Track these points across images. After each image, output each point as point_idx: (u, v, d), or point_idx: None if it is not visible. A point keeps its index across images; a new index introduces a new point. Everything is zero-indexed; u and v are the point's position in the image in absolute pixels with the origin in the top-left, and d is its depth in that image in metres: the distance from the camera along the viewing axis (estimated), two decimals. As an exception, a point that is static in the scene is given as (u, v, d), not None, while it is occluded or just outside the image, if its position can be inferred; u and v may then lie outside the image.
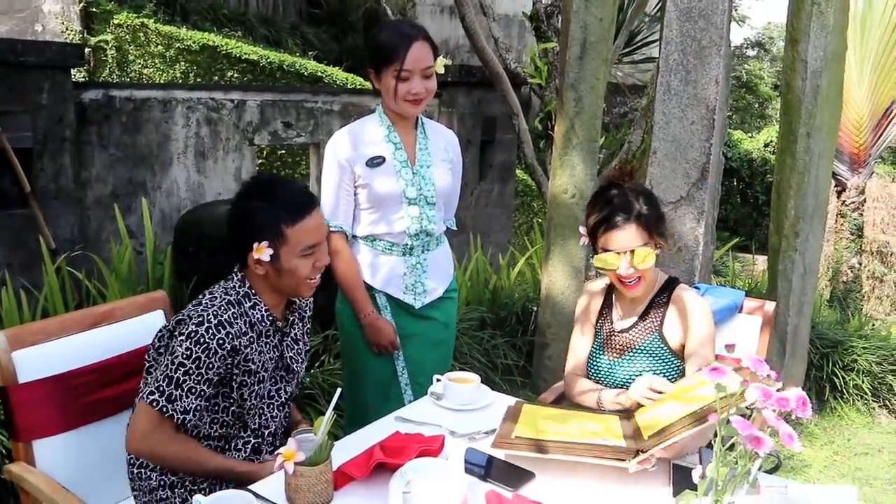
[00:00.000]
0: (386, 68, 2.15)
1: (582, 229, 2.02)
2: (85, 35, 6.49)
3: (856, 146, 6.75)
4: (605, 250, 1.92)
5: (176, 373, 1.61)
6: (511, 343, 4.17)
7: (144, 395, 1.63)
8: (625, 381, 1.98)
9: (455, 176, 2.40)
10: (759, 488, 1.26)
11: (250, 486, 1.45)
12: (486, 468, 1.52)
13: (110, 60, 6.67)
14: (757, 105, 16.55)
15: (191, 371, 1.60)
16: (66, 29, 6.41)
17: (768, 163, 10.28)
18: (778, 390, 1.18)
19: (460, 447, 1.62)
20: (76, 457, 1.77)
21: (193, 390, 1.62)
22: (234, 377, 1.68)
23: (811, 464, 3.59)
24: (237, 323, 1.66)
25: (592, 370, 2.05)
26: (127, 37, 6.65)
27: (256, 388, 1.72)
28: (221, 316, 1.63)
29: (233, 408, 1.71)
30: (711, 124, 2.96)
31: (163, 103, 4.06)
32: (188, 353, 1.60)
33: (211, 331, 1.61)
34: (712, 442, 1.49)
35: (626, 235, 1.89)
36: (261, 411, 1.76)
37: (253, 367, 1.69)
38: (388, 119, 2.26)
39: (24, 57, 3.39)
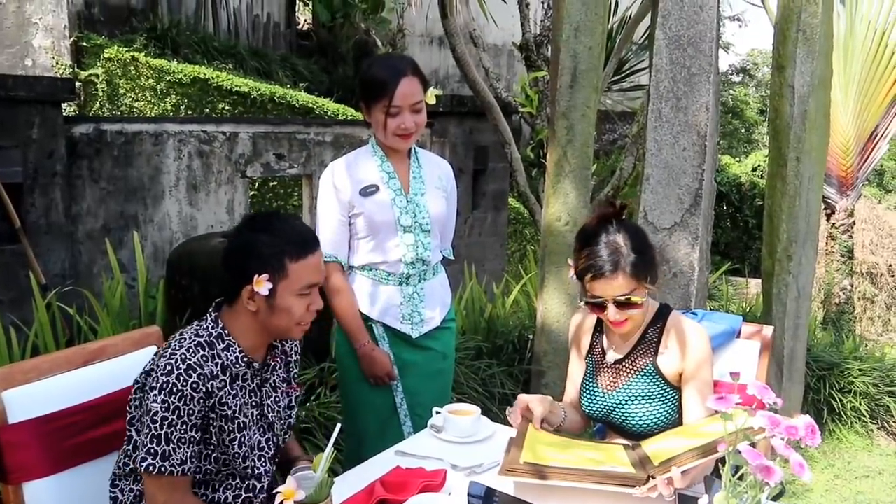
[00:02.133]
0: (376, 104, 2.16)
1: (571, 261, 1.98)
2: (75, 69, 6.50)
3: (843, 169, 6.82)
4: (594, 296, 1.88)
5: (161, 430, 1.55)
6: (508, 372, 4.14)
7: (140, 466, 1.57)
8: (619, 412, 1.95)
9: (450, 204, 2.40)
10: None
11: (248, 527, 1.41)
12: (489, 502, 1.49)
13: (101, 94, 6.68)
14: (743, 130, 16.76)
15: (174, 422, 1.55)
16: (57, 63, 6.43)
17: (757, 187, 10.38)
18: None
19: (462, 481, 1.59)
20: (67, 499, 1.72)
21: (183, 440, 1.57)
22: (212, 422, 1.62)
23: (812, 488, 3.56)
24: (208, 365, 1.60)
25: (585, 402, 2.02)
26: (118, 70, 6.66)
27: (239, 435, 1.66)
28: (190, 360, 1.58)
29: (214, 454, 1.66)
30: (703, 150, 2.97)
31: (154, 136, 4.06)
32: (165, 405, 1.54)
33: (182, 377, 1.56)
34: (720, 470, 1.47)
35: (614, 286, 1.83)
36: (252, 462, 1.69)
37: (230, 412, 1.64)
38: (381, 150, 2.27)
39: (15, 91, 3.39)
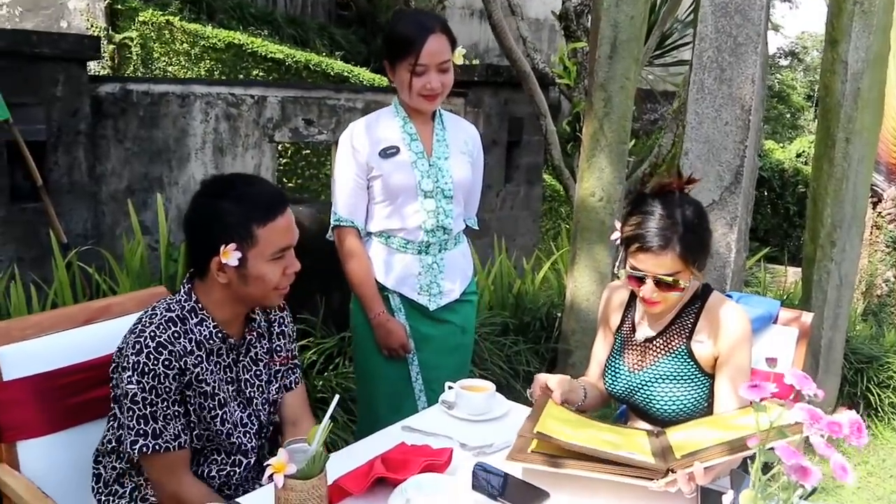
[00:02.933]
0: (401, 61, 2.04)
1: (617, 224, 1.83)
2: (110, 32, 6.48)
3: (893, 156, 6.52)
4: (634, 268, 1.74)
5: (143, 410, 1.48)
6: (534, 350, 4.04)
7: (132, 449, 1.49)
8: (644, 394, 1.83)
9: (475, 171, 2.28)
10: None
11: (238, 500, 1.34)
12: (498, 486, 1.39)
13: (135, 58, 6.65)
14: (789, 115, 16.30)
15: (154, 402, 1.48)
16: (91, 26, 6.41)
17: (800, 173, 10.08)
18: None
19: (470, 462, 1.49)
20: (64, 460, 1.67)
21: (168, 416, 1.50)
22: (190, 399, 1.54)
23: (843, 484, 3.40)
24: (179, 342, 1.51)
25: (609, 380, 1.91)
26: (152, 34, 6.62)
27: (220, 412, 1.58)
28: (160, 336, 1.49)
29: (197, 431, 1.58)
30: (747, 125, 2.80)
31: (181, 98, 3.99)
32: (140, 386, 1.47)
33: (152, 356, 1.47)
34: (748, 464, 1.35)
35: (659, 263, 1.68)
36: (238, 438, 1.61)
37: (208, 388, 1.55)
38: (405, 111, 2.15)
39: (39, 48, 3.34)
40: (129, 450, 1.49)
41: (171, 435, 1.50)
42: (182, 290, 1.59)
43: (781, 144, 12.20)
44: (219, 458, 1.61)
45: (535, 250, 5.05)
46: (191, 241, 1.57)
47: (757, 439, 0.96)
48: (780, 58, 17.68)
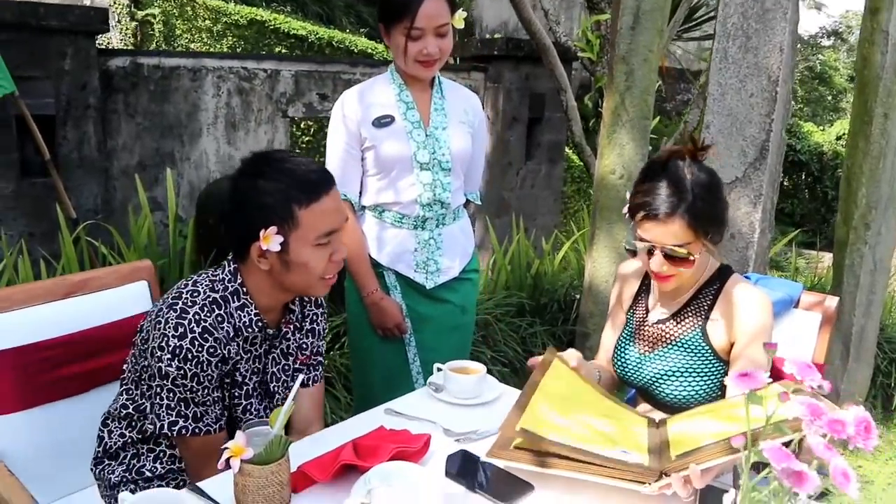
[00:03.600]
0: (395, 25, 1.92)
1: (628, 195, 1.71)
2: (132, 8, 6.46)
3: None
4: (641, 238, 1.62)
5: (185, 393, 1.39)
6: (550, 332, 3.93)
7: (172, 431, 1.41)
8: (654, 378, 1.72)
9: (476, 142, 2.16)
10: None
11: (199, 483, 1.26)
12: (475, 477, 1.29)
13: (157, 34, 6.64)
14: (830, 97, 15.80)
15: (194, 388, 1.39)
16: (115, 2, 6.39)
17: (839, 157, 9.76)
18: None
19: (451, 449, 1.40)
20: (34, 439, 1.61)
21: (208, 401, 1.42)
22: (226, 387, 1.47)
23: (874, 480, 3.24)
24: (222, 328, 1.41)
25: (618, 363, 1.79)
26: (174, 11, 6.60)
27: (245, 402, 1.51)
28: (205, 321, 1.38)
29: None
30: (773, 97, 2.64)
31: (192, 72, 3.93)
32: (181, 372, 1.37)
33: (197, 342, 1.37)
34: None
35: (666, 231, 1.57)
36: None
37: (239, 378, 1.48)
38: (401, 78, 2.04)
39: (46, 21, 3.29)
40: (166, 430, 1.41)
41: (212, 419, 1.42)
42: (227, 268, 1.47)
43: (821, 127, 11.81)
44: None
45: (555, 230, 4.91)
46: (229, 225, 1.45)
47: (742, 438, 0.84)
48: (821, 38, 17.09)
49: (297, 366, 1.62)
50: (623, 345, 1.81)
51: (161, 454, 1.52)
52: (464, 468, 1.32)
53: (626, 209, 1.67)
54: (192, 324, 1.37)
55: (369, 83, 2.07)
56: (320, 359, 1.69)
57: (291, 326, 1.58)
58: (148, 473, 1.53)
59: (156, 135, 3.87)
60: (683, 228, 1.56)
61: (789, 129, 10.24)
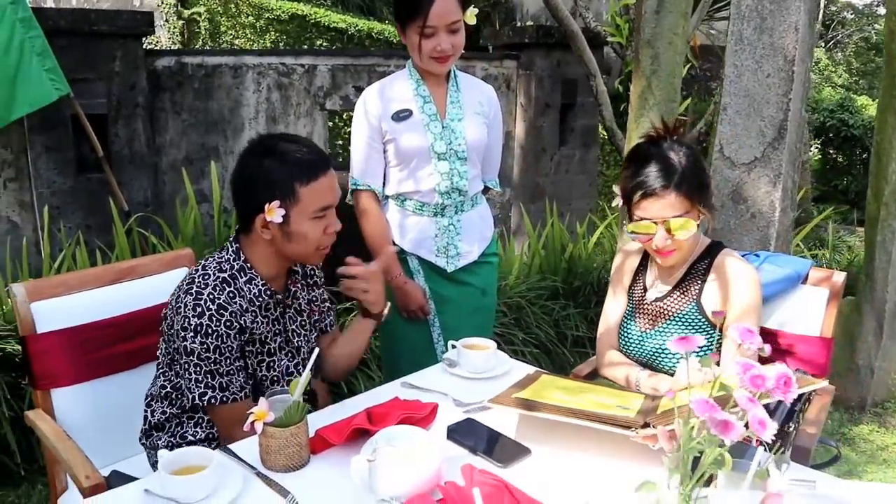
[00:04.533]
0: (410, 23, 2.04)
1: (616, 189, 1.84)
2: (179, 8, 6.71)
3: None
4: (641, 218, 1.74)
5: (210, 366, 1.55)
6: (583, 314, 4.01)
7: (202, 401, 1.57)
8: (655, 352, 1.81)
9: (492, 131, 2.26)
10: (767, 482, 1.09)
11: (230, 446, 1.42)
12: (476, 441, 1.42)
13: (203, 32, 6.88)
14: (888, 68, 15.23)
15: (218, 359, 1.55)
16: (162, 2, 6.65)
17: (895, 130, 9.41)
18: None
19: (459, 418, 1.53)
20: (90, 409, 1.80)
21: (232, 370, 1.58)
22: (248, 352, 1.63)
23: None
24: (236, 302, 1.58)
25: (622, 339, 1.90)
26: (219, 8, 6.83)
27: (268, 359, 1.67)
28: (219, 298, 1.55)
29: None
30: (790, 77, 2.66)
31: (234, 69, 4.12)
32: (204, 347, 1.53)
33: (214, 318, 1.53)
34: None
35: (664, 204, 1.69)
36: (281, 386, 1.68)
37: (259, 337, 1.64)
38: (418, 73, 2.16)
39: (97, 26, 3.51)
40: (198, 401, 1.57)
41: (237, 387, 1.59)
42: (230, 249, 1.66)
43: (877, 100, 11.43)
44: None
45: (588, 214, 4.97)
46: (237, 198, 1.64)
47: (672, 392, 0.94)
48: (877, 6, 16.50)
49: (314, 318, 1.81)
50: (625, 323, 1.91)
51: (200, 420, 1.68)
52: (467, 433, 1.44)
53: (617, 199, 1.79)
54: (208, 303, 1.54)
55: (389, 80, 2.20)
56: (328, 304, 1.88)
57: (298, 285, 1.76)
58: (190, 438, 1.70)
59: (201, 130, 4.08)
60: (680, 199, 1.69)
61: (841, 104, 9.97)
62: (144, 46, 3.78)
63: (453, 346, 1.85)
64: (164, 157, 3.99)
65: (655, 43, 3.58)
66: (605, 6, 8.51)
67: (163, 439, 1.71)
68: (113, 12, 3.66)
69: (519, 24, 8.79)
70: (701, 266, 1.81)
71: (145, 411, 1.76)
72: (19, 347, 2.75)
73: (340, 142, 6.17)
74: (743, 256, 2.09)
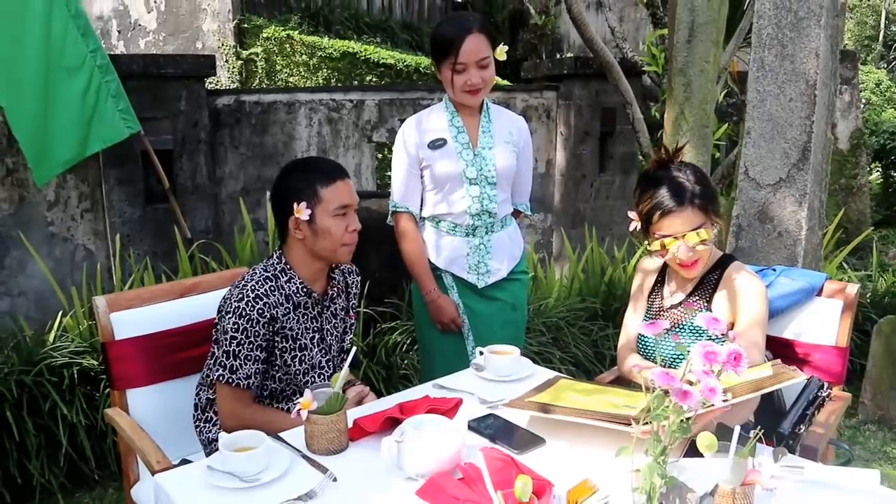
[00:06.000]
0: (444, 61, 2.26)
1: (633, 214, 1.97)
2: (238, 49, 7.12)
3: None
4: (663, 236, 1.89)
5: (231, 346, 1.81)
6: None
7: (214, 375, 1.84)
8: (669, 357, 1.95)
9: (522, 159, 2.45)
10: (748, 461, 1.23)
11: (280, 434, 1.61)
12: (496, 431, 1.58)
13: (260, 71, 7.27)
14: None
15: (242, 342, 1.81)
16: (222, 45, 7.08)
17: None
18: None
19: (483, 413, 1.69)
20: (161, 407, 2.03)
21: (249, 357, 1.82)
22: (276, 344, 1.86)
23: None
24: (274, 295, 1.84)
25: (640, 345, 2.04)
26: (275, 48, 7.21)
27: (300, 354, 1.90)
28: (258, 290, 1.82)
29: (279, 374, 1.89)
30: (813, 100, 2.78)
31: (287, 106, 4.41)
32: (235, 326, 1.80)
33: (250, 303, 1.80)
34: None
35: (683, 220, 1.85)
36: (311, 378, 1.92)
37: (291, 333, 1.87)
38: (453, 106, 2.37)
39: (165, 69, 3.84)
40: (213, 374, 1.84)
41: (244, 374, 1.83)
42: (274, 256, 1.94)
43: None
44: (296, 399, 1.91)
45: (627, 237, 5.08)
46: (275, 211, 1.93)
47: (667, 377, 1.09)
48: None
49: (349, 322, 2.06)
50: (644, 335, 2.05)
51: None
52: (487, 424, 1.61)
53: (635, 223, 1.94)
54: (249, 291, 1.82)
55: (426, 112, 2.41)
56: (352, 318, 2.11)
57: (336, 290, 2.00)
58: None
59: (257, 163, 4.37)
60: (696, 212, 1.86)
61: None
62: (207, 87, 4.10)
63: (481, 353, 2.02)
64: (224, 189, 4.29)
65: (687, 71, 3.74)
66: (643, 36, 8.66)
67: (212, 431, 1.93)
68: (179, 56, 4.00)
69: (567, 54, 8.99)
70: (712, 277, 1.95)
71: (195, 399, 1.99)
72: (94, 363, 3.03)
73: (389, 173, 6.43)
74: (760, 271, 2.22)
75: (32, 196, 3.78)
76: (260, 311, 1.81)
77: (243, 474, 1.39)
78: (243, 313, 1.80)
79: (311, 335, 1.93)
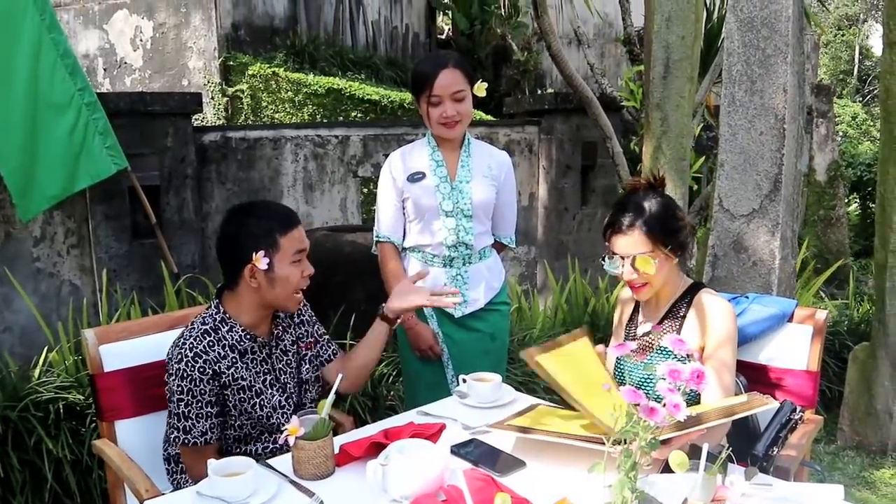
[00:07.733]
0: (421, 95, 2.35)
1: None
2: (223, 86, 7.22)
3: None
4: (614, 254, 1.98)
5: (179, 408, 1.81)
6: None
7: (171, 436, 1.84)
8: (642, 381, 2.01)
9: (503, 193, 2.51)
10: (717, 479, 1.28)
11: (268, 461, 1.64)
12: (478, 455, 1.63)
13: (246, 108, 7.37)
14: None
15: (190, 402, 1.80)
16: (208, 82, 7.18)
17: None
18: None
19: (465, 438, 1.73)
20: (149, 438, 2.05)
21: (201, 415, 1.82)
22: (229, 397, 1.85)
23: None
24: (214, 350, 1.82)
25: (617, 371, 2.09)
26: (260, 85, 7.32)
27: (257, 400, 1.88)
28: (196, 347, 1.80)
29: (241, 420, 1.88)
30: (782, 134, 2.89)
31: (273, 141, 4.49)
32: (180, 388, 1.80)
33: (190, 363, 1.79)
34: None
35: (629, 241, 1.92)
36: (277, 419, 1.91)
37: (244, 383, 1.86)
38: (434, 141, 2.45)
39: (152, 106, 3.92)
40: (169, 438, 1.83)
41: (198, 432, 1.82)
42: (212, 305, 1.92)
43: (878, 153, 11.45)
44: (265, 437, 1.93)
45: (610, 268, 5.16)
46: (223, 256, 1.90)
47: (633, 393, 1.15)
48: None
49: (303, 353, 2.03)
50: (619, 362, 2.11)
51: None
52: (470, 449, 1.65)
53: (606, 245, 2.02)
54: (188, 350, 1.80)
55: (410, 146, 2.50)
56: (327, 337, 2.10)
57: (281, 328, 1.98)
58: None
59: (244, 198, 4.42)
60: (642, 238, 1.91)
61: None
62: (193, 123, 4.17)
63: (464, 381, 2.07)
64: (211, 223, 4.34)
65: (664, 106, 3.85)
66: (623, 72, 8.89)
67: (181, 469, 1.94)
68: (166, 94, 4.08)
69: (549, 90, 9.16)
70: (682, 304, 2.02)
71: (164, 452, 1.99)
72: (80, 397, 3.04)
73: (374, 206, 6.50)
74: (732, 298, 2.30)
75: (18, 232, 3.81)
76: (202, 370, 1.79)
77: (232, 499, 1.42)
78: (185, 374, 1.78)
79: (263, 378, 1.91)
